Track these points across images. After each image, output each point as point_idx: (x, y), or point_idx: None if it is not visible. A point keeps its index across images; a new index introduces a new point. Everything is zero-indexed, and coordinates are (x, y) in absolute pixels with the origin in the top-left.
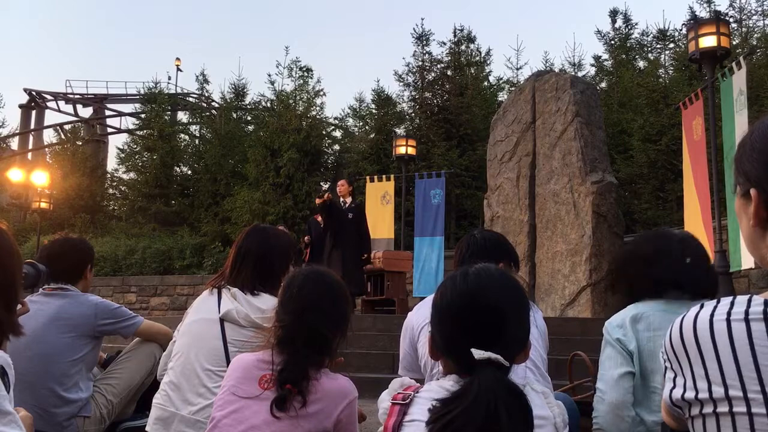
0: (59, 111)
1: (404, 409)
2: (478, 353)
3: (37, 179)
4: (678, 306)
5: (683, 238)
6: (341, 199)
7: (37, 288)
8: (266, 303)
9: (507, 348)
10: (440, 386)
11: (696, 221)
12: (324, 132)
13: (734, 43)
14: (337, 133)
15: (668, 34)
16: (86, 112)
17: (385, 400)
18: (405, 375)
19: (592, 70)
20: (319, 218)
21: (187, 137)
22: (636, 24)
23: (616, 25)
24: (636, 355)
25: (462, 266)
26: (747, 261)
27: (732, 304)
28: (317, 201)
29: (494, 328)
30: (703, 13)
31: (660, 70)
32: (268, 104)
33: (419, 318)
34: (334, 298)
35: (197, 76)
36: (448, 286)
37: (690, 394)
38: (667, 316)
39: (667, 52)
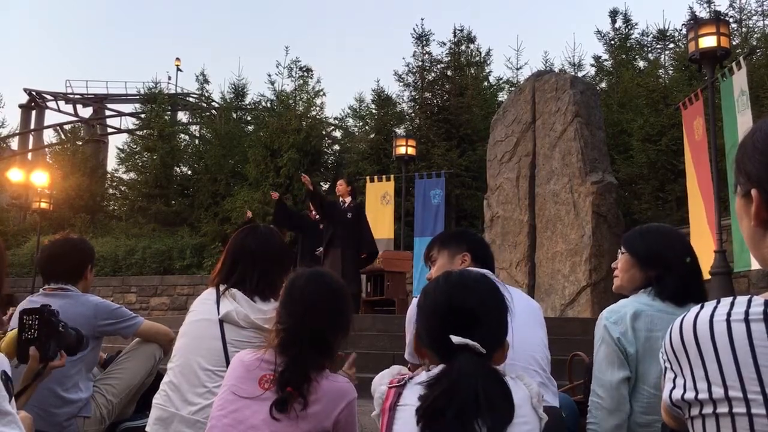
0: (59, 111)
1: (399, 391)
2: (456, 339)
3: (37, 179)
4: (677, 308)
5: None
6: (340, 199)
7: (75, 353)
8: (267, 304)
9: (484, 343)
10: (429, 375)
11: (701, 222)
12: (324, 132)
13: (734, 43)
14: (337, 134)
15: (668, 34)
16: (86, 112)
17: (380, 384)
18: (410, 360)
19: (592, 71)
20: (312, 213)
21: (187, 137)
22: (636, 24)
23: (616, 26)
24: (633, 358)
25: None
26: (755, 261)
27: (732, 304)
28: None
29: (471, 325)
30: (703, 13)
31: (660, 71)
32: (268, 104)
33: None
34: (336, 300)
35: (197, 76)
36: (433, 286)
37: (690, 395)
38: (666, 318)
39: (667, 52)
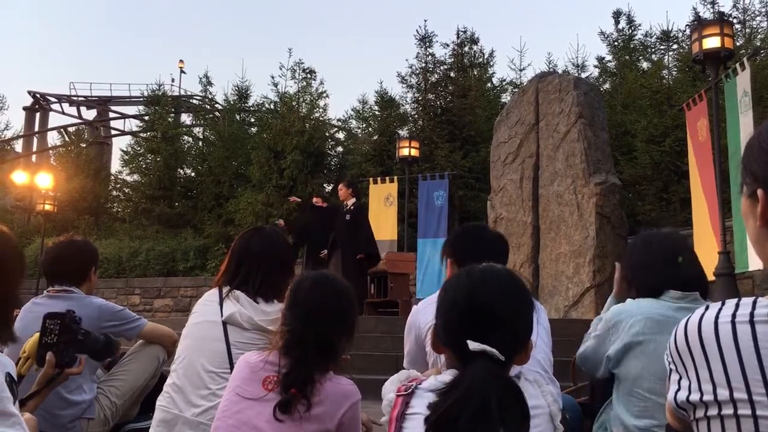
0: (63, 113)
1: (407, 400)
2: (473, 345)
3: (41, 181)
4: (677, 311)
5: (673, 237)
6: (343, 202)
7: (103, 361)
8: (270, 306)
9: (504, 345)
10: (439, 380)
11: (704, 223)
12: (327, 134)
13: (738, 44)
14: (341, 135)
15: (672, 35)
16: (90, 114)
17: (390, 391)
18: (410, 369)
19: (596, 72)
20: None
21: (190, 139)
22: (639, 25)
23: (620, 27)
24: (615, 357)
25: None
26: (754, 262)
27: (737, 306)
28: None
29: (493, 324)
30: (706, 14)
31: (663, 72)
32: (272, 106)
33: (427, 317)
34: (340, 303)
35: (200, 78)
36: (454, 281)
37: (695, 397)
38: (664, 321)
39: (670, 53)
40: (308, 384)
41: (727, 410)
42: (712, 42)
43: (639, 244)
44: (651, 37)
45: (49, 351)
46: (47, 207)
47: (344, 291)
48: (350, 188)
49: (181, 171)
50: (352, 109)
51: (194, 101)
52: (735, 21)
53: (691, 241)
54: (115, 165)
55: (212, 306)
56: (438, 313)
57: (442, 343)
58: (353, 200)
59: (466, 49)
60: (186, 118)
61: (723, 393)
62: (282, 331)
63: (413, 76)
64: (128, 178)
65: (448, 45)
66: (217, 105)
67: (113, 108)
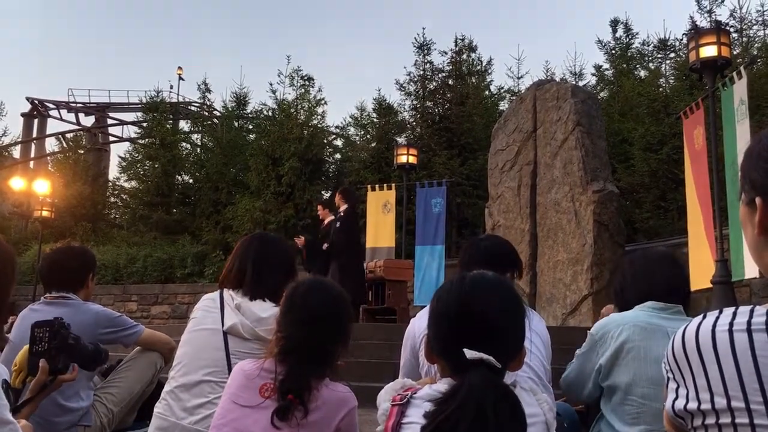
0: (61, 120)
1: (402, 410)
2: (470, 353)
3: (38, 188)
4: (663, 319)
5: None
6: (338, 210)
7: (91, 370)
8: (267, 311)
9: (498, 353)
10: (435, 389)
11: (698, 231)
12: (325, 141)
13: (735, 52)
14: (339, 142)
15: (669, 43)
16: (88, 120)
17: (385, 400)
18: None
19: (593, 80)
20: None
21: (188, 146)
22: (637, 34)
23: (617, 35)
24: (606, 366)
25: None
26: (750, 270)
27: (734, 314)
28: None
29: (485, 332)
30: (703, 22)
31: (661, 80)
32: (270, 113)
33: (421, 326)
34: (336, 309)
35: (199, 85)
36: (445, 290)
37: (692, 405)
38: (650, 329)
39: (667, 61)
40: (305, 390)
41: (725, 419)
42: (709, 51)
43: (625, 263)
44: (648, 46)
45: (42, 358)
46: (45, 213)
47: (339, 297)
48: (342, 194)
49: (179, 177)
50: (350, 117)
51: (192, 108)
52: (732, 30)
53: (686, 249)
54: (113, 171)
55: (213, 314)
56: (429, 323)
57: (435, 352)
58: (345, 206)
59: (464, 56)
60: (184, 125)
61: (720, 402)
62: (278, 337)
63: (411, 83)
64: (126, 185)
65: (446, 53)
66: (215, 112)
67: (111, 114)
